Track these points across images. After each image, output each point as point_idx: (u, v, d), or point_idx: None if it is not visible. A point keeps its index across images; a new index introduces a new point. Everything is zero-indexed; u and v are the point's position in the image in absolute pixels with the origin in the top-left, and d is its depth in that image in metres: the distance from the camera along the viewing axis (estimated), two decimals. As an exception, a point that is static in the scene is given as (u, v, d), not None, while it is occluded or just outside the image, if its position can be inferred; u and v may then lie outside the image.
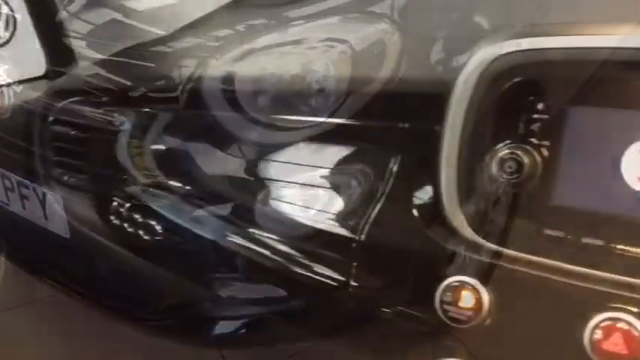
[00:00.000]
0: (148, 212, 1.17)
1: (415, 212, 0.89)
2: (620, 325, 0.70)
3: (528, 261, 0.79)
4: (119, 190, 1.23)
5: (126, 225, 1.20)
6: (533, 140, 0.77)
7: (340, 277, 0.92)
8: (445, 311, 0.82)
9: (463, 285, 0.80)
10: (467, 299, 0.80)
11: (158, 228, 1.15)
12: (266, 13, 1.20)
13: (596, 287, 0.74)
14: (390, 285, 0.89)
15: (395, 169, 0.92)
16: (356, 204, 0.93)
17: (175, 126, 1.21)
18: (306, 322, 0.99)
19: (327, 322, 0.97)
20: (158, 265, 1.16)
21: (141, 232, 1.17)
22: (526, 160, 0.76)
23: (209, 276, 1.09)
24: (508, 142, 0.78)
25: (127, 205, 1.20)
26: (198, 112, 1.16)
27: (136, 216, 1.18)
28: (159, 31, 1.20)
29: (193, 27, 1.21)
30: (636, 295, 0.71)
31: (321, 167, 0.98)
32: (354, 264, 0.91)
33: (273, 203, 1.00)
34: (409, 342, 0.87)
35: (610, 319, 0.71)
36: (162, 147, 1.23)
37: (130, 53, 1.28)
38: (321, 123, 0.95)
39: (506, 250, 0.80)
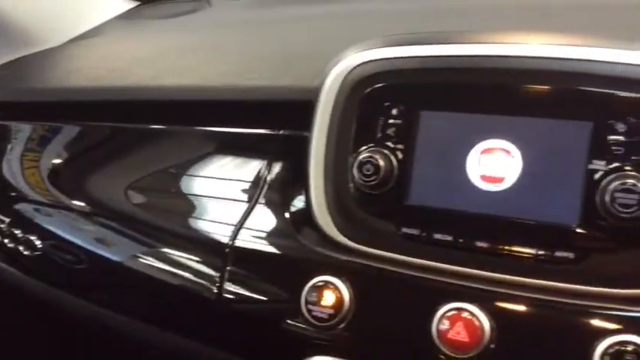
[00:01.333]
0: (30, 227, 1.15)
1: (287, 216, 0.92)
2: (464, 314, 0.74)
3: (388, 259, 0.82)
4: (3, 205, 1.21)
5: (6, 241, 1.17)
6: (389, 144, 0.82)
7: (212, 285, 0.93)
8: (309, 311, 0.83)
9: (326, 284, 0.82)
10: (328, 298, 0.82)
11: (38, 243, 1.13)
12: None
13: (446, 280, 0.78)
14: (261, 291, 0.90)
15: (268, 175, 0.96)
16: (229, 210, 0.96)
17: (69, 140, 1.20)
18: (181, 332, 0.98)
19: (201, 332, 0.96)
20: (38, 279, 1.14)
21: (21, 248, 1.15)
22: (382, 162, 0.81)
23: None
24: (367, 146, 0.83)
25: (8, 220, 1.18)
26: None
27: (17, 232, 1.16)
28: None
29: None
30: (480, 286, 0.76)
31: (196, 175, 1.01)
32: (227, 269, 0.92)
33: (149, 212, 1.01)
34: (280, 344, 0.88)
35: (456, 309, 0.75)
36: (56, 161, 1.22)
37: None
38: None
39: (367, 249, 0.84)
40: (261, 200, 0.94)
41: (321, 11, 1.29)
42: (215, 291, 0.92)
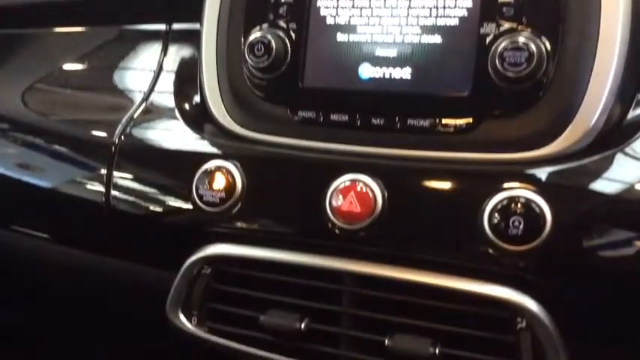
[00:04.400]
0: None
1: (179, 108, 0.87)
2: (358, 186, 0.72)
3: (284, 145, 0.79)
4: None
5: None
6: (282, 24, 0.78)
7: (99, 187, 0.87)
8: (201, 197, 0.79)
9: (217, 169, 0.78)
10: (219, 181, 0.77)
11: None
12: None
13: (339, 156, 0.76)
14: (151, 185, 0.85)
15: (161, 70, 0.90)
16: (118, 106, 0.90)
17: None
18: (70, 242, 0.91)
19: (91, 241, 0.90)
20: None
21: None
22: (274, 43, 0.77)
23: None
24: (259, 26, 0.79)
25: None
26: None
27: None
28: None
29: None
30: (374, 160, 0.74)
31: (83, 73, 0.94)
32: (114, 167, 0.86)
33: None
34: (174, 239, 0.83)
35: (349, 180, 0.72)
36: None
37: None
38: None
39: (263, 136, 0.80)
40: (153, 95, 0.89)
41: None
42: (102, 192, 0.86)
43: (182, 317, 0.81)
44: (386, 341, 0.71)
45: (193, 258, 0.79)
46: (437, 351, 0.69)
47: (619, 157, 0.68)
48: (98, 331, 1.01)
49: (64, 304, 1.03)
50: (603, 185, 0.67)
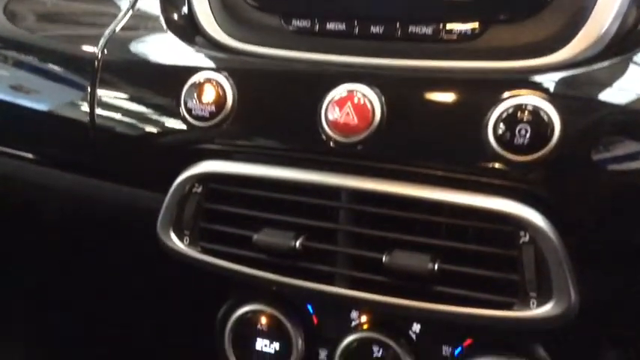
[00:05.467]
0: None
1: (166, 20, 0.82)
2: (356, 97, 0.68)
3: (277, 57, 0.75)
4: None
5: None
6: None
7: (83, 104, 0.83)
8: (189, 111, 0.74)
9: (207, 81, 0.74)
10: (209, 94, 0.73)
11: None
12: None
13: (335, 66, 0.72)
14: (137, 101, 0.81)
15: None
16: (103, 15, 0.85)
17: None
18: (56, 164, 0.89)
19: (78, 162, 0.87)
20: None
21: None
22: None
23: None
24: None
25: None
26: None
27: None
28: None
29: None
30: (373, 70, 0.70)
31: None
32: (97, 83, 0.82)
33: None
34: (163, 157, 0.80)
35: (346, 91, 0.68)
36: None
37: None
38: None
39: (255, 48, 0.76)
40: (138, 4, 0.84)
41: None
42: (86, 111, 0.82)
43: (174, 237, 0.78)
44: (383, 258, 0.69)
45: (184, 176, 0.76)
46: (436, 267, 0.67)
47: (633, 65, 0.64)
48: (86, 257, 1.00)
49: (52, 230, 1.01)
50: (615, 94, 0.64)
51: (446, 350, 0.78)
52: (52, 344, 1.22)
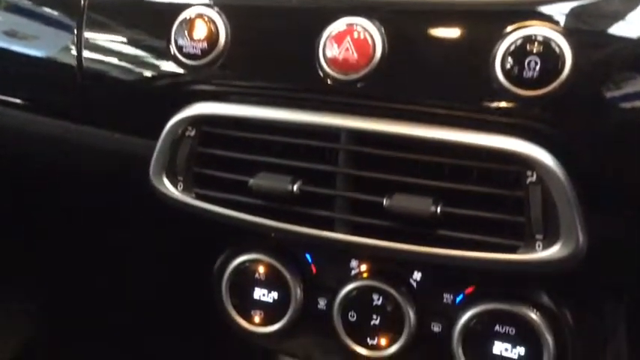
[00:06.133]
0: None
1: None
2: (356, 31, 0.64)
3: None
4: None
5: None
6: None
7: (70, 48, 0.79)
8: (180, 49, 0.71)
9: (198, 16, 0.70)
10: (200, 30, 0.70)
11: None
12: None
13: (337, 2, 0.67)
14: (125, 41, 0.78)
15: None
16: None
17: None
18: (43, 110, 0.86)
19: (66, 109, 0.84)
20: None
21: None
22: None
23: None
24: None
25: None
26: None
27: None
28: None
29: None
30: (375, 4, 0.66)
31: None
32: (84, 26, 0.78)
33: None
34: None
35: (346, 24, 0.65)
36: None
37: None
38: None
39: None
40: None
41: None
42: (74, 54, 0.79)
43: (167, 183, 0.75)
44: (384, 202, 0.66)
45: (176, 119, 0.73)
46: (438, 210, 0.65)
47: (648, -4, 0.61)
48: (81, 207, 0.98)
49: (43, 180, 0.98)
50: (629, 27, 0.60)
51: (447, 298, 0.76)
52: (48, 297, 1.22)
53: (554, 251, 0.62)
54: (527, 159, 0.62)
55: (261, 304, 0.81)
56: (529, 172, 0.62)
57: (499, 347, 0.72)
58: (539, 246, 0.63)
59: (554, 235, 0.62)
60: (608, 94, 0.60)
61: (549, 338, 0.70)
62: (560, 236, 0.62)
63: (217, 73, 0.70)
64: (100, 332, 1.19)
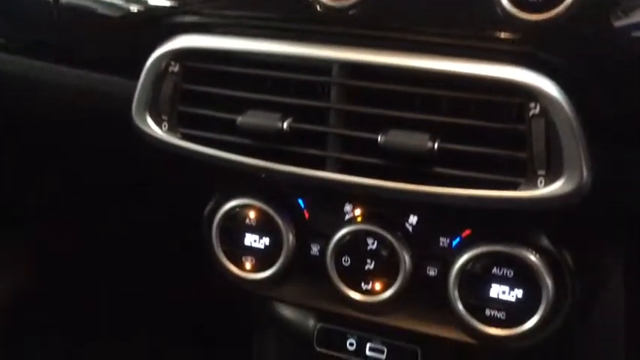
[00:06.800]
0: None
1: None
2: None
3: None
4: None
5: None
6: None
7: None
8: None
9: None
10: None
11: None
12: None
13: None
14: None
15: None
16: None
17: None
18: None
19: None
20: None
21: None
22: None
23: None
24: None
25: None
26: None
27: None
28: None
29: None
30: None
31: None
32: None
33: None
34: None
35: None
36: None
37: None
38: None
39: None
40: None
41: None
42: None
43: (150, 122, 0.72)
44: (379, 138, 0.63)
45: (158, 52, 0.69)
46: (436, 146, 0.62)
47: None
48: (67, 152, 0.94)
49: (24, 124, 0.95)
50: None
51: (443, 241, 0.74)
52: (37, 245, 1.20)
53: (556, 187, 0.59)
54: (531, 89, 0.58)
55: (252, 251, 0.79)
56: (532, 104, 0.59)
57: (496, 290, 0.69)
58: (541, 182, 0.60)
59: (557, 170, 0.59)
60: (617, 21, 0.56)
61: (549, 280, 0.68)
62: (564, 172, 0.59)
63: (201, 3, 0.66)
64: (89, 283, 1.18)
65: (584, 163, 0.59)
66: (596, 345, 0.90)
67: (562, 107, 0.58)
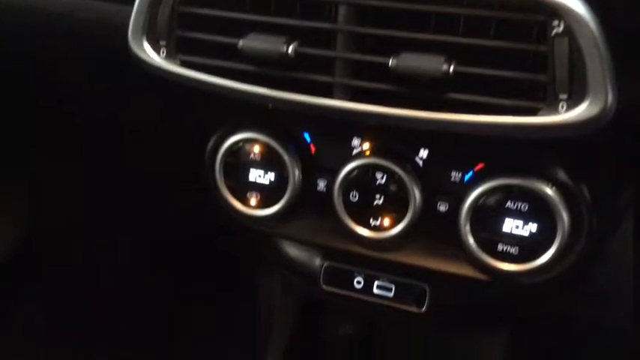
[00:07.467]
0: None
1: None
2: None
3: None
4: None
5: None
6: None
7: None
8: None
9: None
10: None
11: None
12: None
13: None
14: None
15: None
16: None
17: None
18: None
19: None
20: None
21: None
22: None
23: None
24: None
25: None
26: None
27: None
28: None
29: None
30: None
31: None
32: None
33: None
34: None
35: None
36: None
37: None
38: None
39: None
40: None
41: None
42: None
43: (147, 48, 0.68)
44: (390, 62, 0.59)
45: (153, -28, 0.65)
46: (451, 69, 0.58)
47: None
48: (58, 86, 0.91)
49: (21, 56, 0.91)
50: None
51: (455, 176, 0.71)
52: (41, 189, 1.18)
53: (579, 112, 0.56)
54: (554, 5, 0.54)
55: (257, 186, 0.76)
56: (555, 22, 0.54)
57: (510, 224, 0.67)
58: (562, 107, 0.56)
59: (580, 94, 0.56)
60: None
61: (565, 214, 0.66)
62: (587, 95, 0.55)
63: None
64: (90, 227, 1.17)
65: (609, 85, 0.55)
66: (606, 282, 0.88)
67: (588, 26, 0.54)
